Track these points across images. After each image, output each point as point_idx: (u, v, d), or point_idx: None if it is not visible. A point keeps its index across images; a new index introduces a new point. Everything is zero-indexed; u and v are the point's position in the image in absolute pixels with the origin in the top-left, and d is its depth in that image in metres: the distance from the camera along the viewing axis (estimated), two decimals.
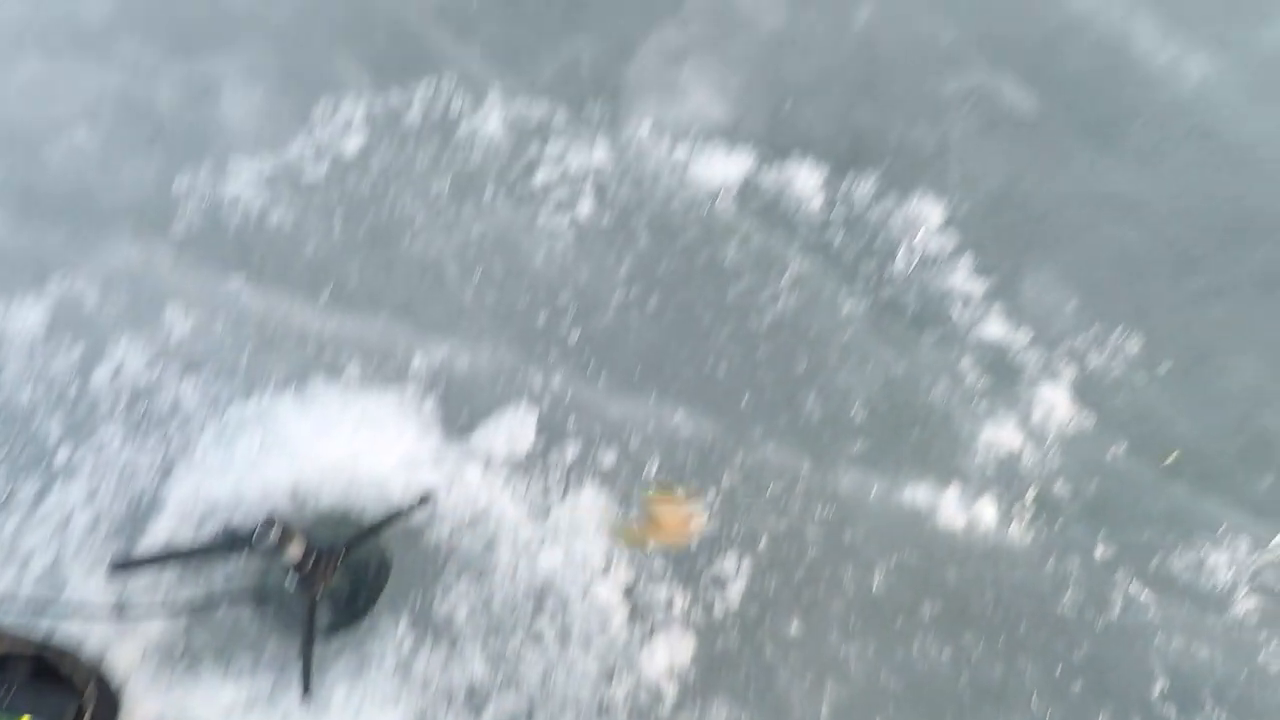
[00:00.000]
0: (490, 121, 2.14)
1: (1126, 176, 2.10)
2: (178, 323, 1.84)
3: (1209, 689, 1.41)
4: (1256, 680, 1.41)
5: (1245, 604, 1.48)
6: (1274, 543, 1.53)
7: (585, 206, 2.00)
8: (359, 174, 2.05)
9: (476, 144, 2.10)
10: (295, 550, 1.29)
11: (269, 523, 1.25)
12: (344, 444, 1.59)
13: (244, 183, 2.05)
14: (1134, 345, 1.79)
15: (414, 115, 2.16)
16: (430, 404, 1.69)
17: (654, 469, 1.64)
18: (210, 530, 1.54)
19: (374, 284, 1.88)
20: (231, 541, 1.40)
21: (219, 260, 1.93)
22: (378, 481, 1.56)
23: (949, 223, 1.99)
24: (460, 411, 1.69)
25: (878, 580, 1.52)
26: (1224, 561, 1.51)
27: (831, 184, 2.07)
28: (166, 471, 1.64)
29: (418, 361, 1.75)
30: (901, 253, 1.94)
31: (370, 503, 1.55)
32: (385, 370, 1.75)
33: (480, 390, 1.73)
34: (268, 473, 1.59)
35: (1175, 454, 1.65)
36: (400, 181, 2.04)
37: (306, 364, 1.76)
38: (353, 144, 2.10)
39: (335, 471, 1.58)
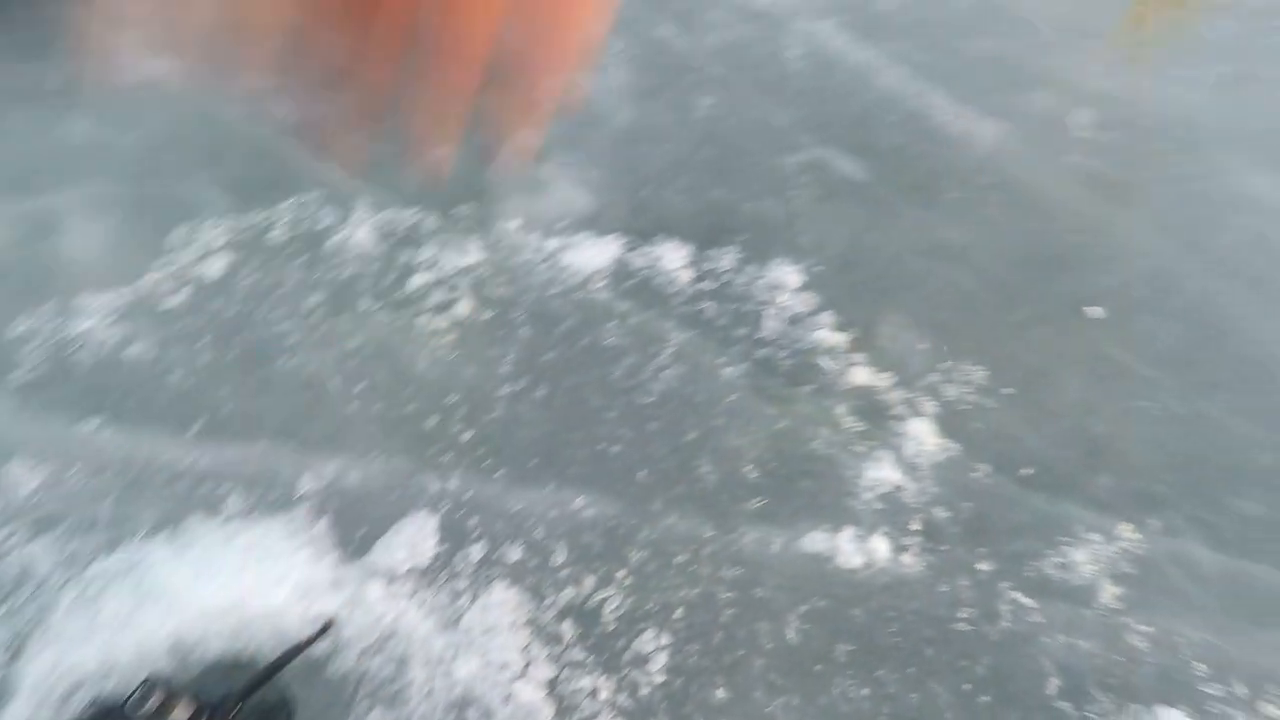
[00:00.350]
0: (360, 232, 2.15)
1: (948, 227, 2.38)
2: (24, 479, 1.68)
3: (1093, 679, 1.54)
4: (1131, 660, 1.56)
5: (1108, 592, 1.63)
6: (1118, 533, 1.72)
7: (464, 306, 2.04)
8: (224, 297, 2.00)
9: (347, 256, 2.11)
10: (181, 713, 1.18)
11: (146, 686, 1.14)
12: (229, 584, 1.49)
13: (94, 319, 1.94)
14: (979, 375, 1.99)
15: (279, 233, 2.14)
16: (322, 526, 1.62)
17: (561, 558, 1.64)
18: (76, 709, 1.38)
19: (250, 408, 1.81)
20: (104, 717, 1.27)
21: (70, 404, 1.80)
22: (271, 618, 1.46)
23: (806, 285, 2.16)
24: (356, 529, 1.63)
25: (791, 631, 1.57)
26: (1084, 557, 1.68)
27: (696, 260, 2.21)
28: (17, 652, 1.47)
29: (305, 483, 1.69)
30: (769, 316, 2.08)
31: (265, 643, 1.45)
32: (270, 498, 1.67)
33: (375, 504, 1.68)
34: (142, 630, 1.45)
35: (1029, 468, 1.83)
36: (270, 300, 2.00)
37: (179, 504, 1.65)
38: (215, 268, 2.05)
39: (222, 615, 1.47)
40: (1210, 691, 1.52)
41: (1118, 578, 1.67)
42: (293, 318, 1.97)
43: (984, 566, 1.68)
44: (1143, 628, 1.59)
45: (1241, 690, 1.53)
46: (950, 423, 1.90)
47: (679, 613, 1.61)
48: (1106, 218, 2.44)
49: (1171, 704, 1.50)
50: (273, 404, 1.82)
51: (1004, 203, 2.46)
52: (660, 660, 1.52)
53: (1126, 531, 1.75)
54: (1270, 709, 1.51)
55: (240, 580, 1.49)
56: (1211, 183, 2.58)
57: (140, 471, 1.70)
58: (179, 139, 2.42)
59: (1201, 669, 1.54)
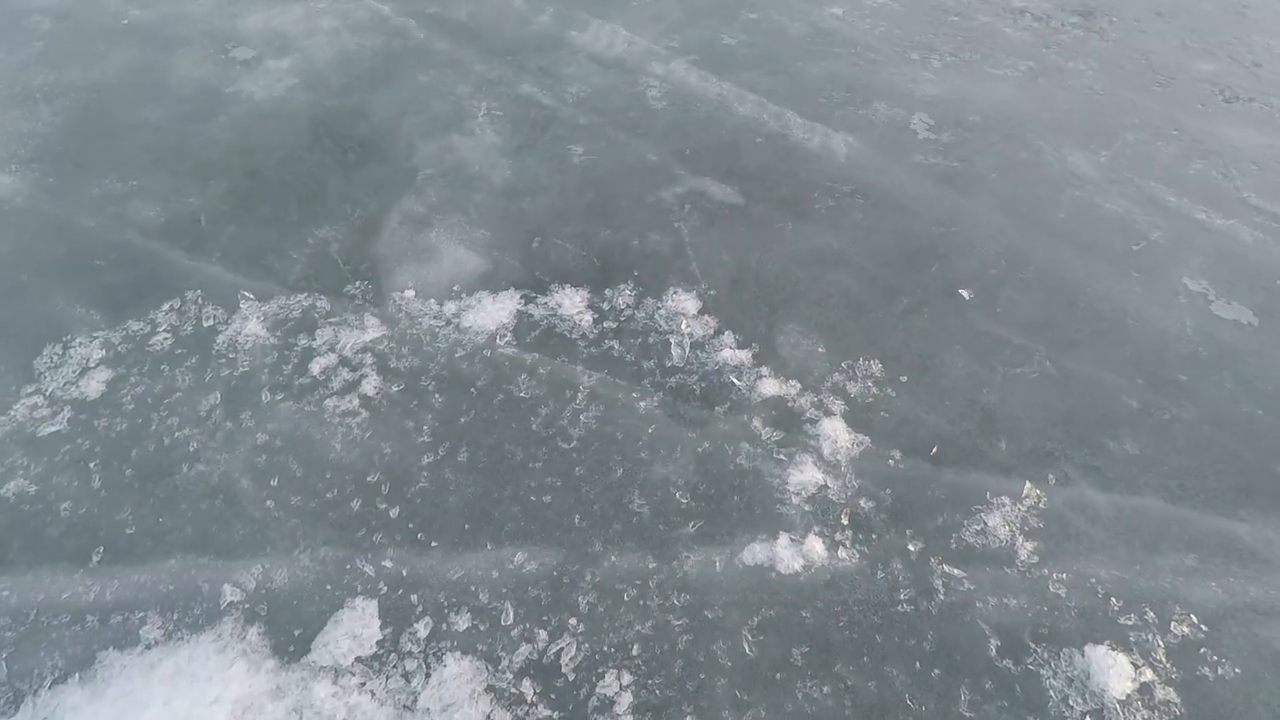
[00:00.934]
0: (249, 325, 2.09)
1: (823, 235, 2.54)
2: None
3: (1027, 633, 1.65)
4: (1055, 608, 1.68)
5: (1025, 549, 1.77)
6: (1024, 493, 1.87)
7: (371, 383, 2.00)
8: (110, 414, 1.88)
9: (240, 351, 2.03)
10: None
11: None
12: (158, 716, 1.38)
13: None
14: (876, 368, 2.12)
15: (161, 339, 2.04)
16: (254, 634, 1.54)
17: (510, 617, 1.62)
18: None
19: (156, 527, 1.70)
20: None
21: None
22: None
23: (703, 309, 2.26)
24: (291, 630, 1.56)
25: (747, 645, 1.61)
26: (998, 521, 1.81)
27: (595, 301, 2.26)
28: None
29: (228, 593, 1.60)
30: (673, 345, 2.16)
31: None
32: (191, 616, 1.57)
33: (308, 600, 1.61)
34: None
35: (935, 447, 1.97)
36: (162, 409, 1.90)
37: (89, 643, 1.53)
38: (94, 385, 1.93)
39: None
40: (1127, 622, 1.66)
41: (1030, 533, 1.80)
42: (190, 424, 1.88)
43: (913, 547, 1.78)
44: (1060, 575, 1.73)
45: (1152, 616, 1.68)
46: (858, 417, 2.01)
47: (636, 649, 1.62)
48: (957, 207, 2.68)
49: (1097, 641, 1.63)
50: (180, 517, 1.72)
51: (867, 206, 2.66)
52: (625, 700, 1.53)
53: (1029, 489, 1.90)
54: (1180, 628, 1.66)
55: (170, 710, 1.40)
56: (1039, 165, 2.88)
57: (37, 617, 1.56)
58: (33, 256, 2.27)
59: (1116, 603, 1.69)
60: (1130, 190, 2.77)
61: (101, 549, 1.66)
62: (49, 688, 1.46)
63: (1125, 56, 3.54)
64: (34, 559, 1.64)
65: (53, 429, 1.85)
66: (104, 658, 1.50)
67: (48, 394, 1.92)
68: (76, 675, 1.47)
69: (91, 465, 1.79)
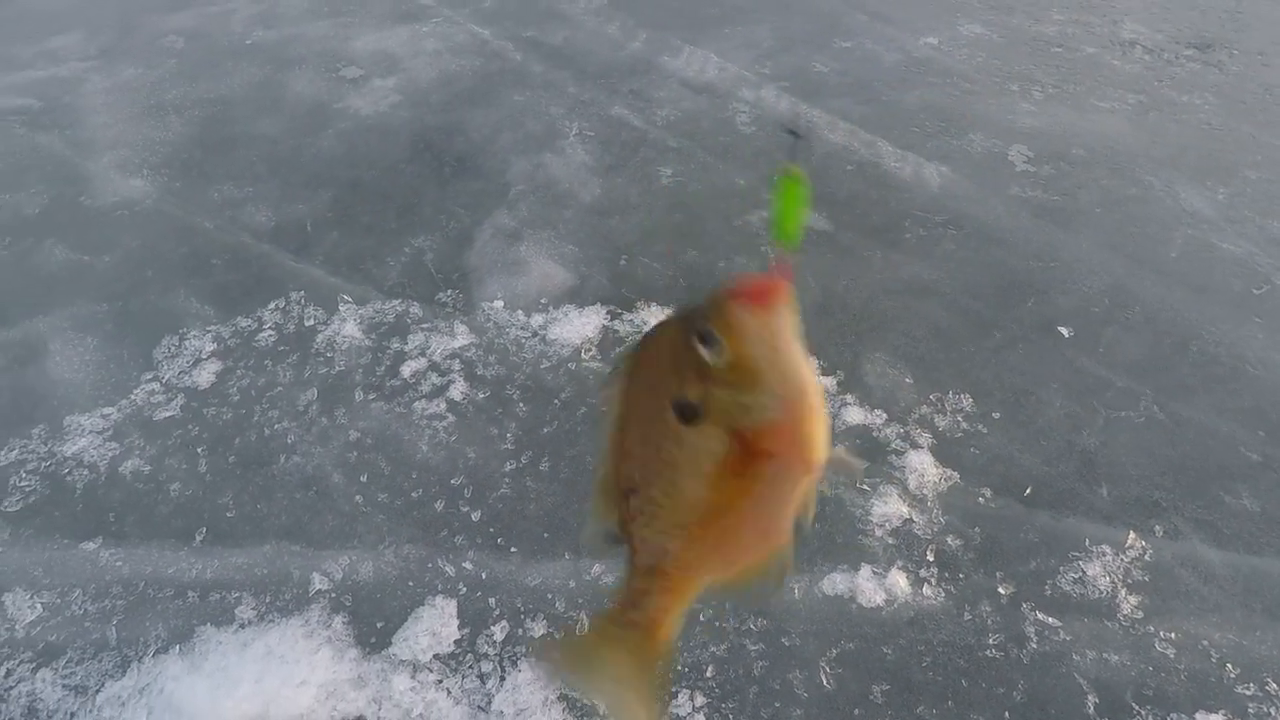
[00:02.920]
0: (346, 327, 2.18)
1: (913, 265, 2.48)
2: (23, 609, 1.62)
3: (1129, 692, 1.54)
4: (1162, 669, 1.57)
5: (1128, 602, 1.66)
6: (1129, 543, 1.76)
7: (458, 388, 2.05)
8: (218, 403, 1.99)
9: (337, 351, 2.12)
10: None
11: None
12: (250, 694, 1.44)
13: (86, 439, 1.91)
14: (966, 402, 2.05)
15: (266, 336, 2.15)
16: (339, 623, 1.59)
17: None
18: None
19: (254, 513, 1.79)
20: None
21: (66, 528, 1.76)
22: None
23: None
24: (374, 623, 1.60)
25: (825, 677, 1.56)
26: (1098, 570, 1.70)
27: None
28: None
29: (317, 582, 1.65)
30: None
31: None
32: (282, 600, 1.63)
33: (391, 595, 1.65)
34: None
35: (1029, 488, 1.88)
36: (264, 402, 2.00)
37: (189, 617, 1.60)
38: (205, 376, 2.05)
39: None
40: (1245, 692, 1.53)
41: (1133, 586, 1.69)
42: (289, 417, 1.97)
43: (1003, 590, 1.69)
44: (1167, 634, 1.61)
45: (1274, 687, 1.54)
46: (946, 451, 1.94)
47: (710, 670, 1.59)
48: (1057, 242, 2.58)
49: (1210, 709, 1.51)
50: (276, 505, 1.80)
51: (961, 237, 2.59)
52: None
53: (1133, 540, 1.78)
54: None
55: (261, 688, 1.44)
56: (1148, 201, 2.74)
57: (145, 588, 1.65)
58: (157, 254, 2.44)
59: (1233, 670, 1.56)
60: (1251, 230, 2.60)
61: (205, 529, 1.75)
62: (152, 656, 1.54)
63: (1246, 90, 3.36)
64: (145, 534, 1.74)
65: (167, 414, 1.97)
66: (202, 632, 1.57)
67: (164, 381, 2.04)
68: (177, 647, 1.55)
69: (199, 450, 1.90)
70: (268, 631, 1.56)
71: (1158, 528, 1.79)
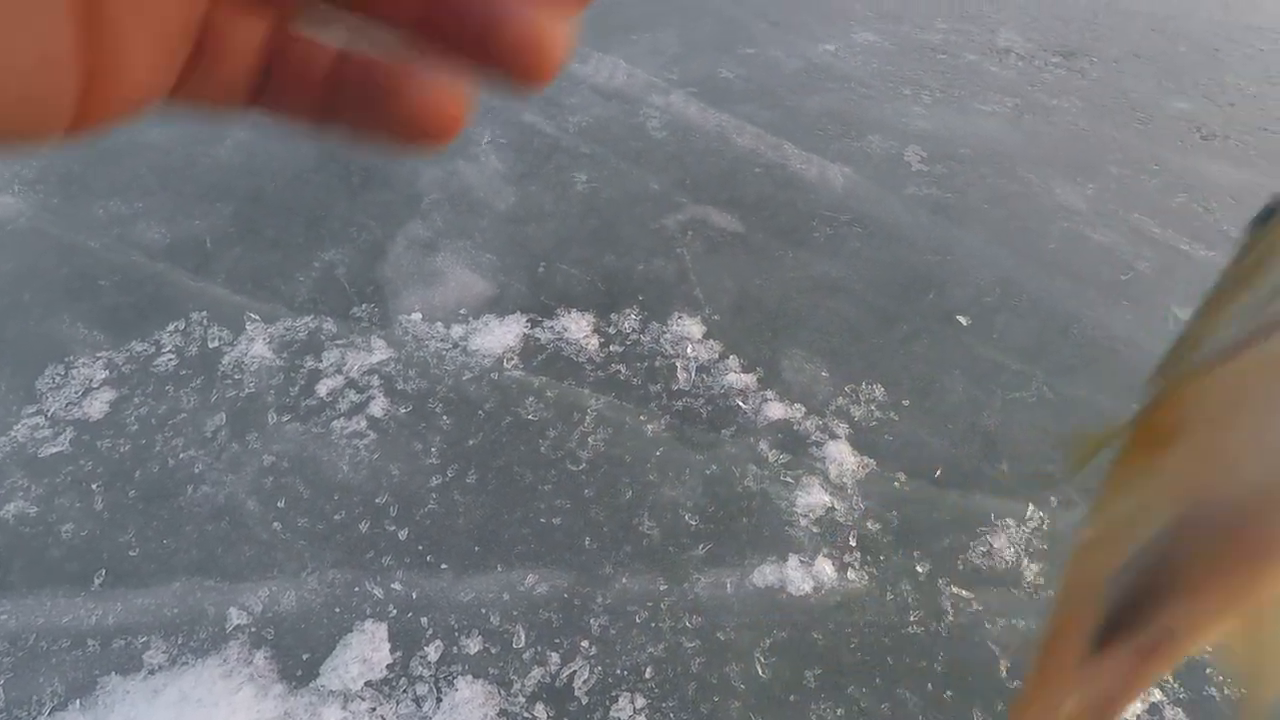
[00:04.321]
0: (255, 347, 2.08)
1: (822, 263, 2.59)
2: None
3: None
4: None
5: (1031, 570, 1.78)
6: (1028, 515, 1.89)
7: (378, 405, 2.00)
8: (113, 435, 1.86)
9: (246, 372, 2.02)
10: None
11: None
12: None
13: None
14: (878, 392, 2.15)
15: (166, 360, 2.03)
16: (261, 659, 1.51)
17: (521, 640, 1.61)
18: None
19: (160, 549, 1.68)
20: None
21: None
22: None
23: (708, 334, 2.28)
24: (299, 655, 1.53)
25: (760, 667, 1.61)
26: (1004, 542, 1.83)
27: (600, 326, 2.29)
28: None
29: (235, 617, 1.57)
30: (679, 369, 2.18)
31: None
32: (196, 640, 1.54)
33: (316, 624, 1.58)
34: None
35: (939, 469, 1.99)
36: (167, 430, 1.88)
37: (90, 667, 1.49)
38: (97, 406, 1.91)
39: None
40: None
41: (1034, 555, 1.82)
42: (195, 445, 1.86)
43: (920, 569, 1.79)
44: None
45: None
46: (863, 440, 2.04)
47: (649, 672, 1.61)
48: (951, 237, 2.74)
49: None
50: (185, 539, 1.70)
51: (865, 235, 2.72)
52: None
53: (1032, 511, 1.92)
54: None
55: None
56: (1028, 197, 2.96)
57: (36, 641, 1.53)
58: (35, 276, 2.26)
59: None
60: (1116, 222, 2.85)
61: (104, 571, 1.63)
62: (48, 714, 1.42)
63: (1106, 95, 3.67)
64: (34, 581, 1.61)
65: (54, 450, 1.82)
66: (106, 683, 1.46)
67: (49, 414, 1.89)
68: (78, 701, 1.44)
69: (94, 486, 1.77)
70: (181, 675, 1.47)
71: (1053, 498, 1.94)
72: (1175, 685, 1.60)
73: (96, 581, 1.62)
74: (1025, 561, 1.80)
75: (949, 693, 1.58)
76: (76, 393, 1.93)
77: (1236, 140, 3.40)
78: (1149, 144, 3.33)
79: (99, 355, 2.02)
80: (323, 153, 2.88)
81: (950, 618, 1.70)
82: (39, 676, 1.48)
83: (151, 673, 1.48)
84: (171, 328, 2.11)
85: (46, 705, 1.44)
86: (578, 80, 3.44)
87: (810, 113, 3.35)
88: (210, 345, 2.08)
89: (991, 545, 1.82)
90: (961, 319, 2.41)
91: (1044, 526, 1.87)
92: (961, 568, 1.78)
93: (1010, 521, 1.87)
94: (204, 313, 2.16)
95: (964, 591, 1.74)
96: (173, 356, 2.04)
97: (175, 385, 1.98)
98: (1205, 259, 2.70)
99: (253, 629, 1.56)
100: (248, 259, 2.37)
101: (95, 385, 1.95)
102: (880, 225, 2.75)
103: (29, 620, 1.55)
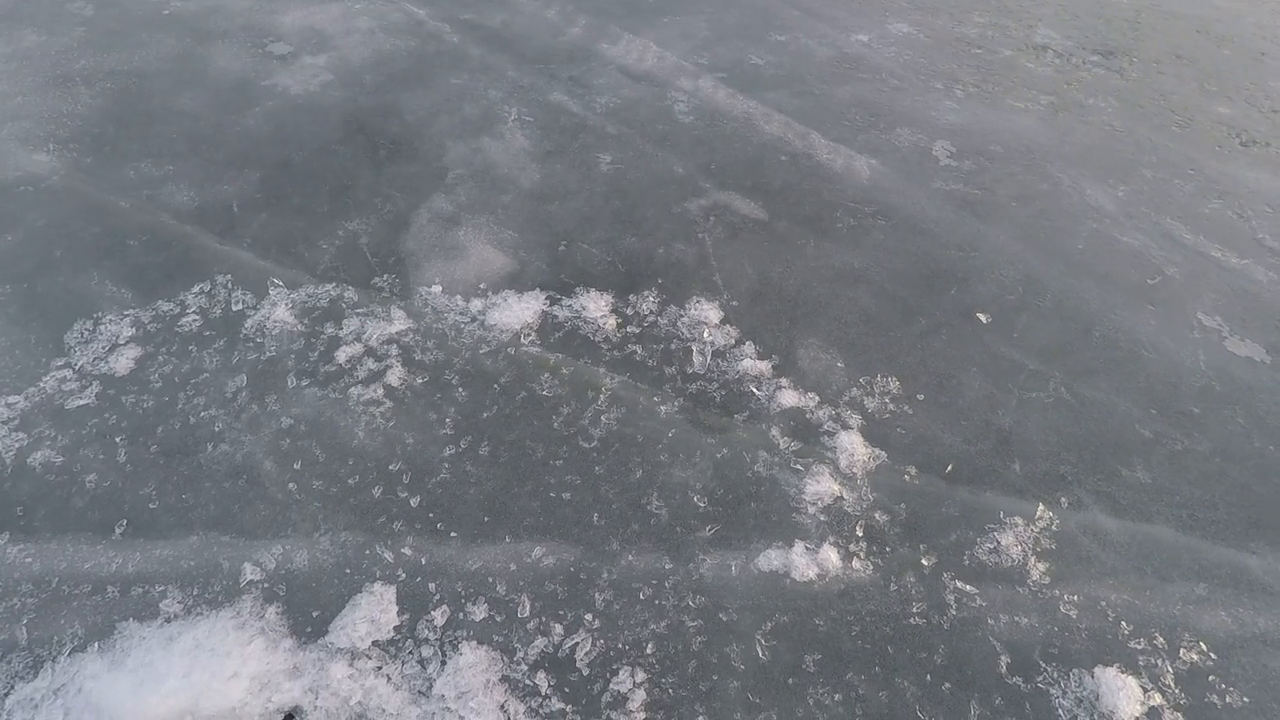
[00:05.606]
0: (277, 311, 2.11)
1: (844, 254, 2.57)
2: None
3: (1037, 651, 1.66)
4: (1066, 629, 1.69)
5: (1037, 569, 1.78)
6: (1038, 515, 1.88)
7: (395, 373, 2.02)
8: (138, 391, 1.90)
9: (267, 335, 2.06)
10: None
11: None
12: (177, 688, 1.39)
13: None
14: (893, 385, 2.15)
15: (190, 320, 2.06)
16: (272, 613, 1.55)
17: (526, 610, 1.63)
18: None
19: (179, 503, 1.72)
20: None
21: None
22: (229, 716, 1.38)
23: (725, 319, 2.28)
24: (310, 611, 1.57)
25: (760, 649, 1.62)
26: (1011, 540, 1.82)
27: (619, 306, 2.29)
28: None
29: (248, 572, 1.61)
30: (695, 353, 2.18)
31: None
32: (211, 593, 1.58)
33: (327, 583, 1.62)
34: None
35: (950, 465, 1.98)
36: (189, 389, 1.92)
37: (109, 613, 1.54)
38: (123, 362, 1.95)
39: None
40: (1137, 647, 1.67)
41: (1041, 554, 1.81)
42: (216, 404, 1.90)
43: (926, 561, 1.79)
44: (1071, 597, 1.74)
45: (1162, 641, 1.69)
46: (875, 432, 2.03)
47: (650, 648, 1.62)
48: (977, 233, 2.71)
49: (1107, 664, 1.64)
50: (203, 495, 1.74)
51: (889, 227, 2.70)
52: (639, 697, 1.53)
53: (1042, 511, 1.91)
54: (1190, 655, 1.67)
55: (189, 683, 1.40)
56: (1058, 196, 2.92)
57: (59, 585, 1.58)
58: (67, 234, 2.31)
59: (1127, 627, 1.70)
60: (1147, 225, 2.80)
61: (125, 522, 1.68)
62: (68, 655, 1.47)
63: (1144, 96, 3.60)
64: (58, 528, 1.65)
65: (80, 402, 1.87)
66: (123, 628, 1.50)
67: (77, 368, 1.94)
68: (96, 644, 1.48)
69: (118, 440, 1.81)
70: (195, 625, 1.51)
71: (1063, 499, 1.93)
72: (1176, 691, 1.59)
73: (117, 531, 1.66)
74: (1032, 560, 1.79)
75: (947, 685, 1.59)
76: (103, 348, 1.97)
77: (1278, 148, 3.32)
78: (1186, 148, 3.26)
79: (126, 313, 2.06)
80: (350, 124, 2.91)
81: (953, 611, 1.70)
82: (60, 619, 1.53)
83: (168, 620, 1.52)
84: (197, 289, 2.15)
85: (66, 646, 1.49)
86: (607, 61, 3.43)
87: (839, 102, 3.31)
88: (234, 308, 2.11)
89: (999, 542, 1.82)
90: (982, 316, 2.39)
91: (1053, 527, 1.86)
92: (967, 563, 1.78)
93: (1019, 520, 1.87)
94: (229, 276, 2.20)
95: (968, 586, 1.74)
96: (197, 317, 2.08)
97: (199, 345, 2.02)
98: (1236, 266, 2.66)
99: (265, 585, 1.60)
100: (273, 225, 2.40)
101: (121, 342, 2.00)
102: (905, 218, 2.73)
103: (52, 564, 1.60)
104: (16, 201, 2.39)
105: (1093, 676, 1.61)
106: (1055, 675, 1.62)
